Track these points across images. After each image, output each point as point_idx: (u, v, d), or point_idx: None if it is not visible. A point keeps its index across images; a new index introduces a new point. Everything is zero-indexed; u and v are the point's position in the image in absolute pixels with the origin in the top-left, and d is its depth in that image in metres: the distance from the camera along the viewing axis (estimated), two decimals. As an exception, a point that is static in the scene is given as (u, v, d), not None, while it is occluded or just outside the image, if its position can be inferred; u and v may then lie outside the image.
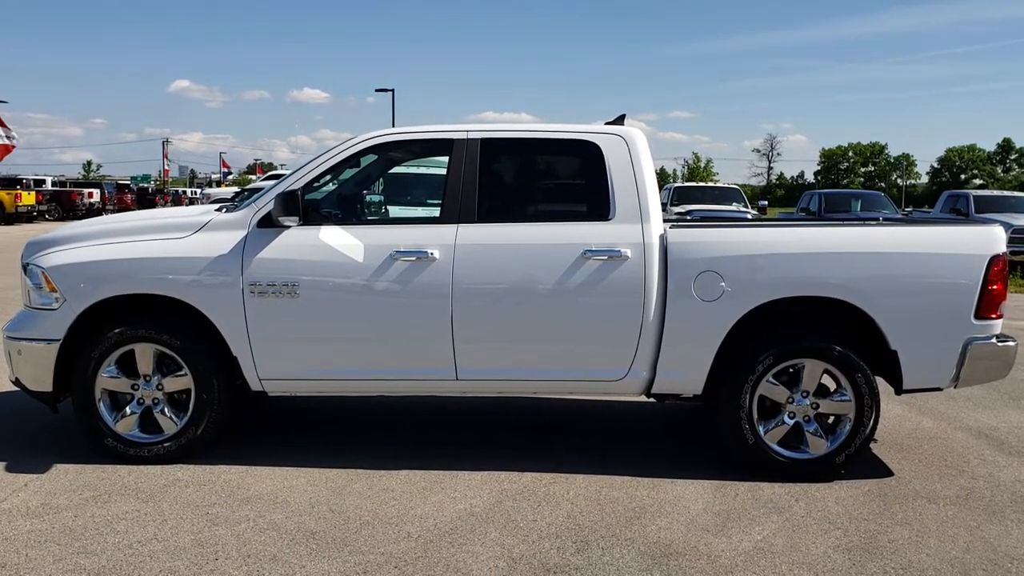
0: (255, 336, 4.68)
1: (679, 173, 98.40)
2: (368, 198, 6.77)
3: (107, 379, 4.76)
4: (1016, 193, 20.12)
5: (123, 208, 40.28)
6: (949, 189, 26.21)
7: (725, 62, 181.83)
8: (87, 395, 4.74)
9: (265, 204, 4.75)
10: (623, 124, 5.12)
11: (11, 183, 34.34)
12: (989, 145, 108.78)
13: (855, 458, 4.67)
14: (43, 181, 40.85)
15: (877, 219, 6.34)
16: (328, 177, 5.06)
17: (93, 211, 37.19)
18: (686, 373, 4.69)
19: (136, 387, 4.81)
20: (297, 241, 4.69)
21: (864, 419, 4.60)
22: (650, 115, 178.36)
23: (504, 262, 4.65)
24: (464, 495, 4.40)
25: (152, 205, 45.74)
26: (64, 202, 36.92)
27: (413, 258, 4.64)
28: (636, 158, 4.79)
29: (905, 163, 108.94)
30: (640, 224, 4.66)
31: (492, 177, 4.95)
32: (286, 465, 4.79)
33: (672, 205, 19.01)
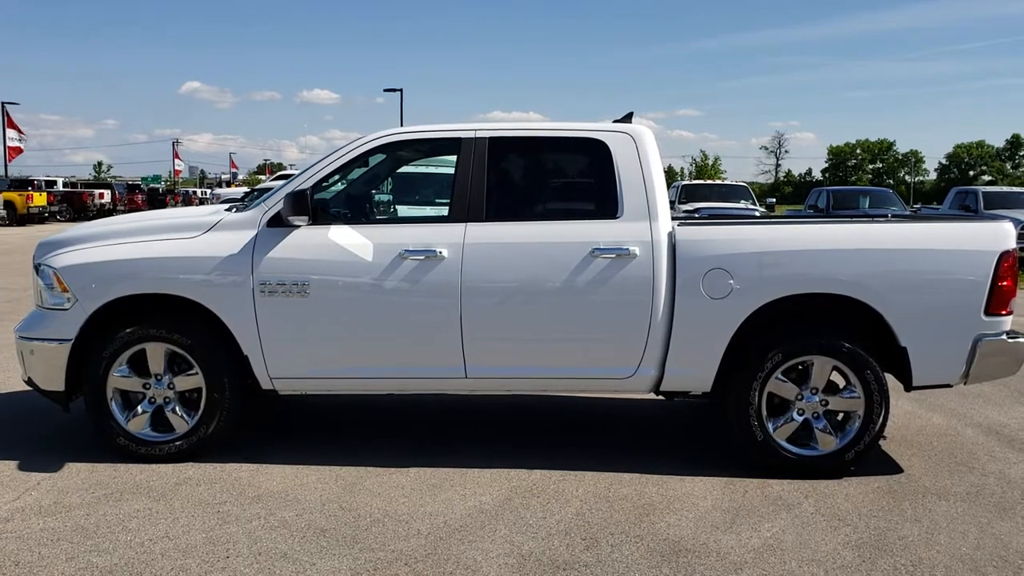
0: (265, 335, 4.70)
1: (687, 171, 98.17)
2: (377, 197, 6.79)
3: (119, 378, 4.79)
4: (1026, 189, 20.01)
5: (134, 208, 40.46)
6: (958, 186, 26.04)
7: (732, 60, 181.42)
8: (99, 394, 4.77)
9: (275, 204, 4.77)
10: (631, 122, 5.12)
11: (23, 184, 34.56)
12: (998, 141, 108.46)
13: (865, 455, 4.66)
14: (54, 182, 41.06)
15: (886, 216, 6.33)
16: (337, 177, 5.08)
17: (104, 212, 37.38)
18: (695, 371, 4.69)
19: (148, 386, 4.84)
20: (306, 240, 4.71)
21: (874, 416, 4.60)
22: (658, 113, 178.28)
23: (512, 260, 4.66)
24: (474, 492, 4.41)
25: (162, 205, 45.94)
26: (75, 203, 37.09)
27: (422, 257, 4.65)
28: (644, 156, 4.79)
29: (913, 160, 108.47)
30: (648, 222, 4.67)
31: (500, 176, 4.96)
32: (297, 463, 4.81)
33: (680, 203, 18.98)
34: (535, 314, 4.65)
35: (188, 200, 57.86)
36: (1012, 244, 4.59)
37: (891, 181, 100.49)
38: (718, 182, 27.02)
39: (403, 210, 7.57)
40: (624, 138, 4.83)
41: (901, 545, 3.83)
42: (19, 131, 40.68)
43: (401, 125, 5.51)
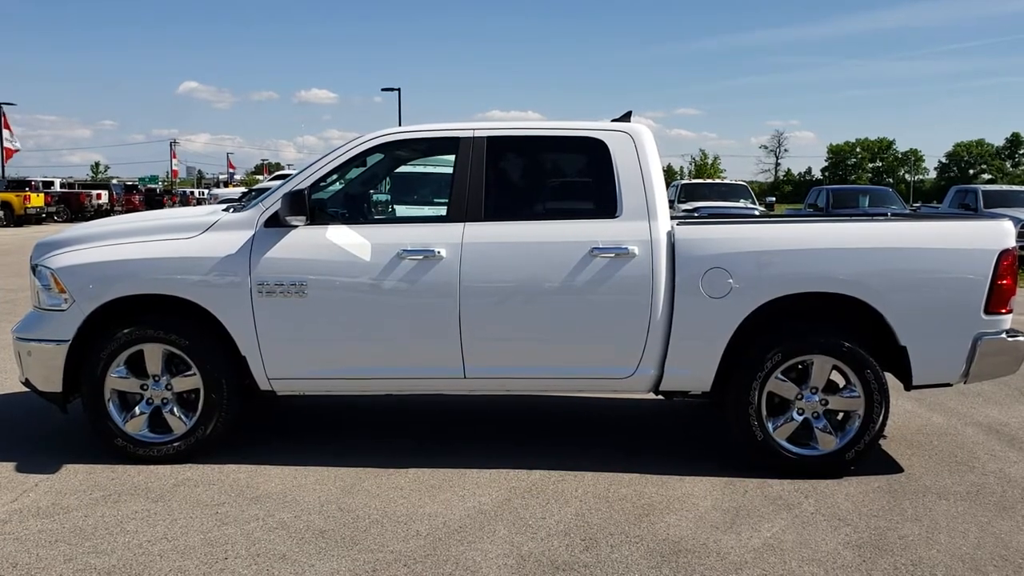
0: (263, 335, 4.68)
1: (686, 170, 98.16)
2: (375, 197, 6.78)
3: (116, 379, 4.77)
4: (1025, 188, 20.01)
5: (131, 209, 40.42)
6: (957, 184, 26.06)
7: (732, 59, 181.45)
8: (97, 395, 4.75)
9: (272, 204, 4.76)
10: (629, 121, 5.11)
11: (20, 185, 34.53)
12: (997, 140, 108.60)
13: (865, 454, 4.65)
14: (52, 183, 40.99)
15: (885, 215, 6.32)
16: (335, 176, 5.07)
17: (102, 212, 37.37)
18: (694, 370, 4.68)
19: (145, 387, 4.82)
20: (304, 240, 4.70)
21: (873, 415, 4.59)
22: (657, 112, 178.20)
23: (511, 260, 4.65)
24: (473, 493, 4.40)
25: (160, 206, 45.88)
26: (73, 204, 37.05)
27: (420, 257, 4.64)
28: (643, 155, 4.78)
29: (913, 158, 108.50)
30: (647, 221, 4.66)
31: (498, 175, 4.95)
32: (295, 464, 4.80)
33: (679, 202, 18.98)
34: (534, 314, 4.63)
35: (186, 200, 57.85)
36: (1012, 243, 4.58)
37: (891, 180, 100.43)
38: (717, 181, 27.04)
39: (401, 210, 7.56)
40: (623, 137, 4.82)
41: (901, 544, 3.82)
42: (10, 131, 40.75)
43: (399, 124, 5.50)
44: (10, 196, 31.96)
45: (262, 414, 5.83)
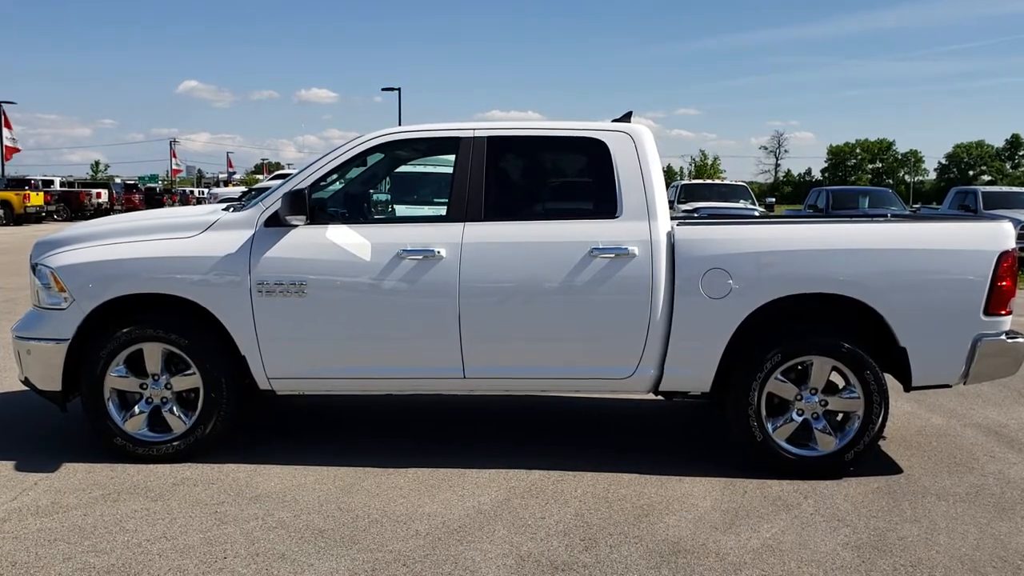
0: (263, 335, 4.68)
1: (686, 170, 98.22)
2: (375, 197, 6.78)
3: (116, 378, 4.77)
4: (1025, 189, 20.00)
5: (131, 208, 40.41)
6: (957, 185, 26.05)
7: (732, 59, 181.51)
8: (96, 394, 4.75)
9: (272, 203, 4.76)
10: (630, 121, 5.11)
11: (20, 184, 34.48)
12: (997, 141, 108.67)
13: (864, 455, 4.65)
14: (51, 182, 40.97)
15: (885, 216, 6.33)
16: (335, 176, 5.07)
17: (101, 211, 37.35)
18: (694, 370, 4.68)
19: (145, 386, 4.82)
20: (304, 240, 4.70)
21: (873, 416, 4.59)
22: (657, 112, 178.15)
23: (511, 260, 4.65)
24: (472, 493, 4.40)
25: (160, 205, 45.88)
26: (72, 202, 37.04)
27: (420, 256, 4.64)
28: (643, 155, 4.78)
29: (913, 159, 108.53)
30: (647, 222, 4.66)
31: (498, 175, 4.95)
32: (294, 464, 4.80)
33: (679, 203, 18.98)
34: (534, 314, 4.64)
35: (185, 200, 57.87)
36: (1011, 244, 4.58)
37: (891, 181, 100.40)
38: (717, 182, 27.05)
39: (401, 210, 7.56)
40: (623, 137, 4.82)
41: (900, 545, 3.82)
42: (11, 130, 40.77)
43: (399, 124, 5.50)
44: (10, 195, 31.93)
45: (262, 414, 5.83)
